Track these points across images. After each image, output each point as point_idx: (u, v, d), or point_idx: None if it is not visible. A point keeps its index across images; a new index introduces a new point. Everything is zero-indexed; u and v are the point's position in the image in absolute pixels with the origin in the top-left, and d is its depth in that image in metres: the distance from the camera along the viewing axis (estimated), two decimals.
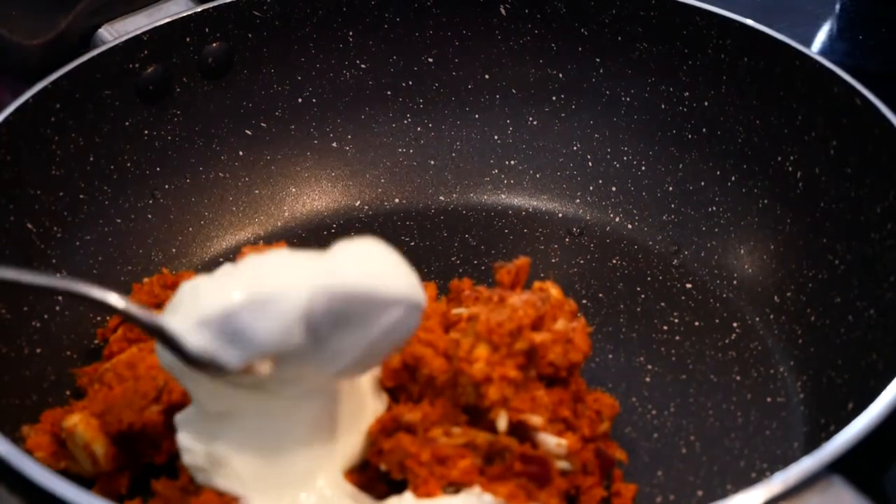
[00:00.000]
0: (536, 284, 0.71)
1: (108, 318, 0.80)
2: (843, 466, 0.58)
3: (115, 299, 0.60)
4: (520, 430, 0.67)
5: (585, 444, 0.68)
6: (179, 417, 0.66)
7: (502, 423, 0.66)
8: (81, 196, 0.83)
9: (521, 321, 0.66)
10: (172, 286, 0.80)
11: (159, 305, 0.78)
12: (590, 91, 0.92)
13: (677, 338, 0.81)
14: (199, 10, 0.88)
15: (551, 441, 0.67)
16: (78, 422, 0.69)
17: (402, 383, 0.69)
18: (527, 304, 0.67)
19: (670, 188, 0.90)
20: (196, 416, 0.66)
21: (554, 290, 0.71)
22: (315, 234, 0.90)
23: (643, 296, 0.84)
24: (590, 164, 0.92)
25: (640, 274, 0.85)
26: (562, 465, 0.67)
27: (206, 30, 0.88)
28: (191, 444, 0.65)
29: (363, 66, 0.93)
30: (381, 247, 0.62)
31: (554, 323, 0.68)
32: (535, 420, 0.66)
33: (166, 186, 0.88)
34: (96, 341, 0.79)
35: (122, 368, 0.71)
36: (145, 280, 0.81)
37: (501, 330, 0.66)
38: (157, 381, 0.69)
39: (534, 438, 0.67)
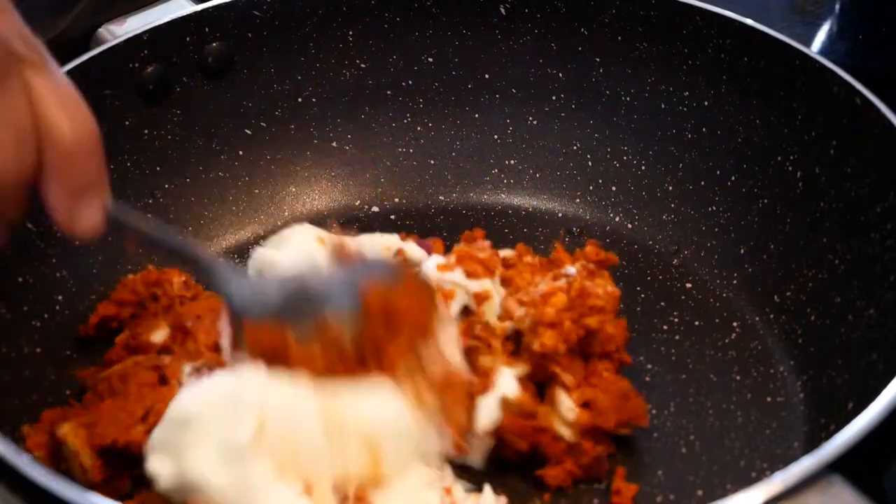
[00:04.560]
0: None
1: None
2: (843, 466, 0.58)
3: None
4: (545, 384, 0.71)
5: (596, 433, 0.70)
6: (151, 442, 0.65)
7: (537, 345, 0.69)
8: None
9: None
10: (156, 283, 0.80)
11: (141, 304, 0.78)
12: (590, 91, 0.92)
13: (677, 337, 0.81)
14: (199, 10, 0.88)
15: (566, 403, 0.69)
16: (68, 432, 0.68)
17: None
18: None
19: (670, 188, 0.90)
20: (165, 436, 0.65)
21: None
22: None
23: (643, 296, 0.84)
24: (590, 164, 0.92)
25: (640, 274, 0.85)
26: (563, 430, 0.69)
27: (206, 30, 0.88)
28: (161, 470, 0.64)
29: (363, 66, 0.93)
30: None
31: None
32: (567, 378, 0.69)
33: (166, 186, 0.88)
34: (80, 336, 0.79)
35: (116, 381, 0.70)
36: (129, 277, 0.81)
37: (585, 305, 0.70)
38: (146, 401, 0.69)
39: (554, 394, 0.70)
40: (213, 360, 0.71)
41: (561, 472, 0.70)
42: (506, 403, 0.69)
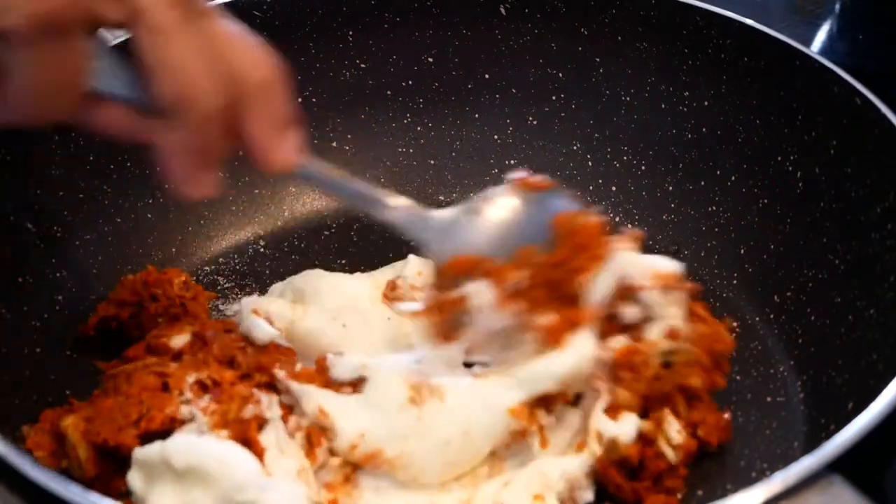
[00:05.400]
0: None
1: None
2: (843, 466, 0.58)
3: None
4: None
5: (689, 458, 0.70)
6: (137, 455, 0.66)
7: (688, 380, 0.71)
8: (81, 196, 0.83)
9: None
10: (155, 283, 0.79)
11: (139, 303, 0.78)
12: (590, 91, 0.92)
13: None
14: None
15: (675, 425, 0.70)
16: (70, 424, 0.68)
17: None
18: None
19: (670, 188, 0.90)
20: (150, 460, 0.65)
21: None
22: (315, 234, 0.90)
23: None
24: (590, 164, 0.92)
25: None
26: (667, 451, 0.70)
27: None
28: (134, 486, 0.65)
29: (363, 66, 0.93)
30: None
31: None
32: (682, 406, 0.71)
33: (166, 186, 0.88)
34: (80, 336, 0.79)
35: (122, 380, 0.70)
36: (129, 277, 0.81)
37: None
38: (142, 406, 0.68)
39: (661, 415, 0.70)
40: (217, 374, 0.70)
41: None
42: (613, 446, 0.69)
